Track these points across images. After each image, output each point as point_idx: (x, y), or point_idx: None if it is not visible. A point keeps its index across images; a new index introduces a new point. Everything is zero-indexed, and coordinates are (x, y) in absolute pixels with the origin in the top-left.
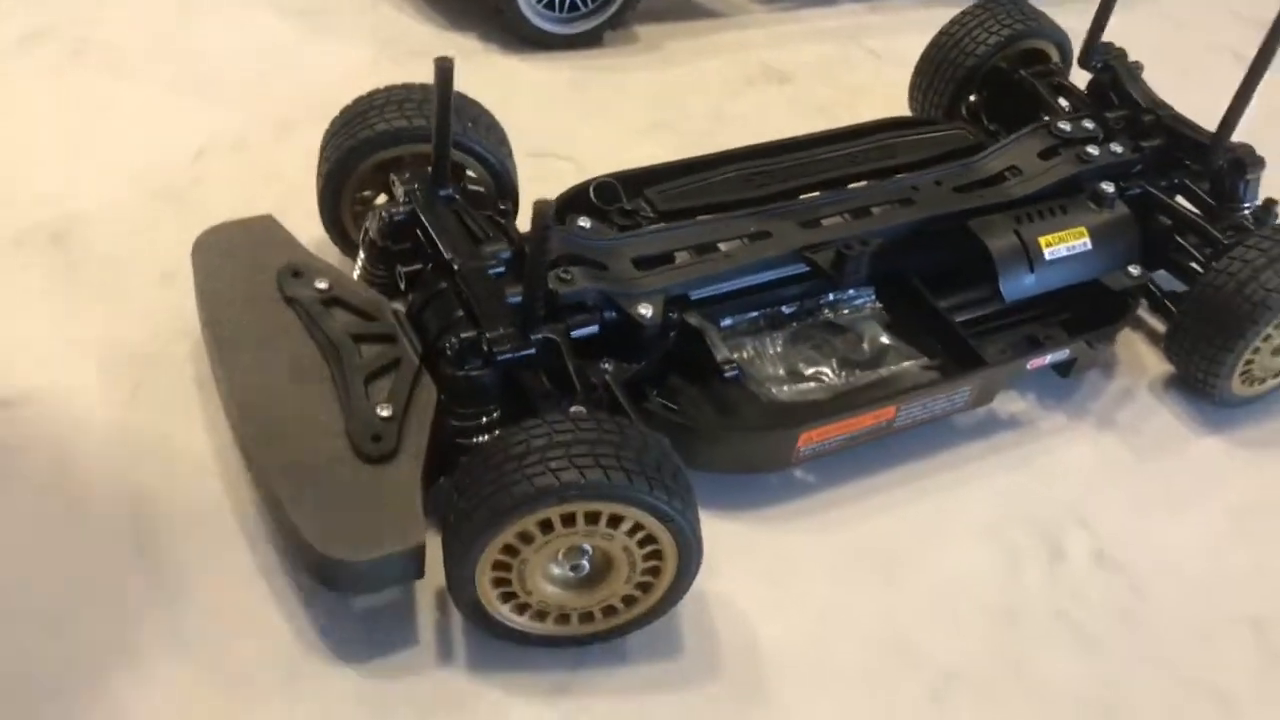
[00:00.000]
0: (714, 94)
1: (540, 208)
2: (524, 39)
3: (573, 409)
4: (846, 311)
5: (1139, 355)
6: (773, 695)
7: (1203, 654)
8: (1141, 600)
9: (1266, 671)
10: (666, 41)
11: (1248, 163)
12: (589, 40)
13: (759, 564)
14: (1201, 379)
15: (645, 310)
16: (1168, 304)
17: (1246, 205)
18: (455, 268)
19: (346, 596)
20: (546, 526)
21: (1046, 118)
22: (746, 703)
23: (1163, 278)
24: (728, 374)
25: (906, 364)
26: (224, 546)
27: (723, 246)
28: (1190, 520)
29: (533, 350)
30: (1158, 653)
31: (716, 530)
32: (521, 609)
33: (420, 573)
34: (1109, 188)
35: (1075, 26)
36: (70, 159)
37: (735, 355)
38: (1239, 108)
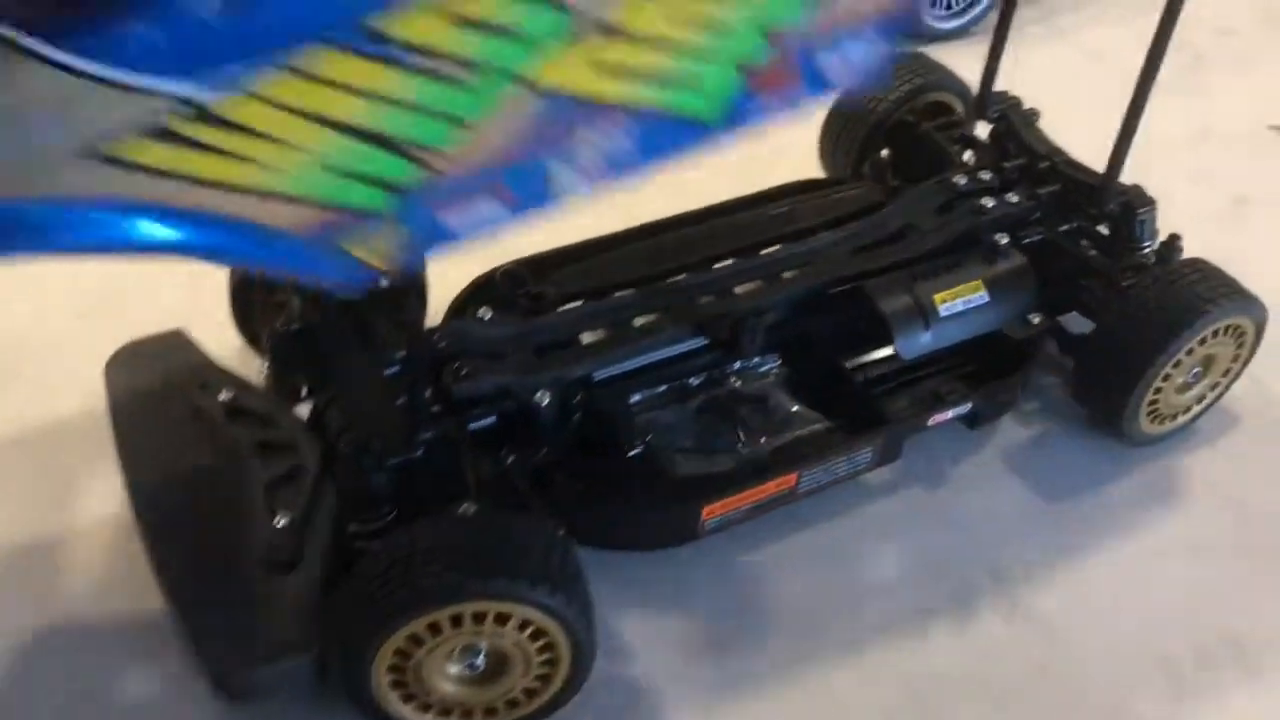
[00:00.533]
0: None
1: (414, 332)
2: None
3: (463, 508)
4: (752, 379)
5: (1053, 399)
6: None
7: (1118, 700)
8: (1057, 651)
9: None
10: None
11: (1136, 205)
12: None
13: (671, 637)
14: (1110, 420)
15: (543, 399)
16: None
17: (1146, 244)
18: (348, 374)
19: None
20: (435, 629)
21: (945, 172)
22: None
23: (1077, 319)
24: (632, 453)
25: (812, 428)
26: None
27: (627, 325)
28: (1106, 565)
29: (418, 453)
30: (1075, 704)
31: (625, 605)
32: (424, 708)
33: (321, 678)
34: (1003, 239)
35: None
36: None
37: (644, 431)
38: (1122, 150)
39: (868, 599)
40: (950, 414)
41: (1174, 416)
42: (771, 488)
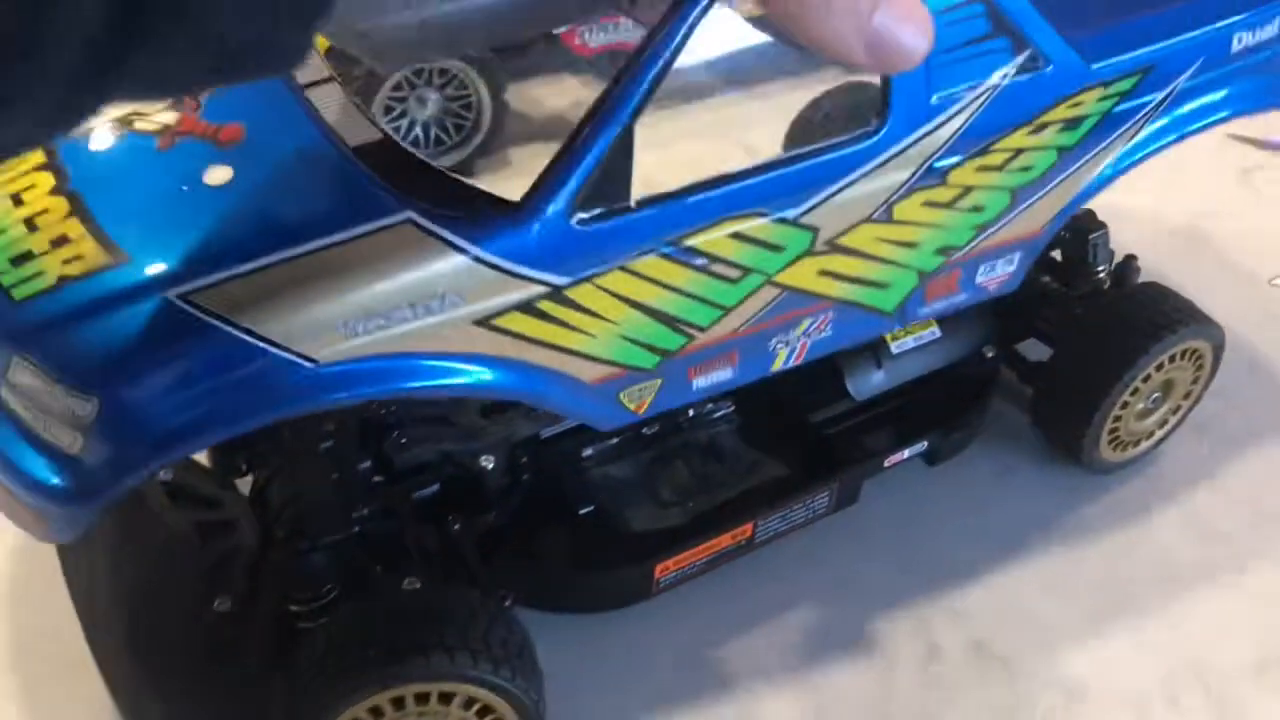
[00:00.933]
0: None
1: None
2: None
3: (405, 582)
4: (704, 427)
5: (1015, 428)
6: None
7: None
8: (1019, 694)
9: None
10: (539, 161)
11: (1088, 229)
12: (463, 171)
13: (633, 699)
14: (1070, 449)
15: (488, 463)
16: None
17: (1100, 268)
18: (284, 450)
19: None
20: (377, 712)
21: None
22: None
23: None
24: (583, 511)
25: (767, 476)
26: None
27: None
28: (1067, 598)
29: (355, 529)
30: None
31: (581, 669)
32: None
33: None
34: None
35: None
36: None
37: (595, 488)
38: None
39: (825, 641)
40: (907, 453)
41: (1136, 443)
42: (727, 540)
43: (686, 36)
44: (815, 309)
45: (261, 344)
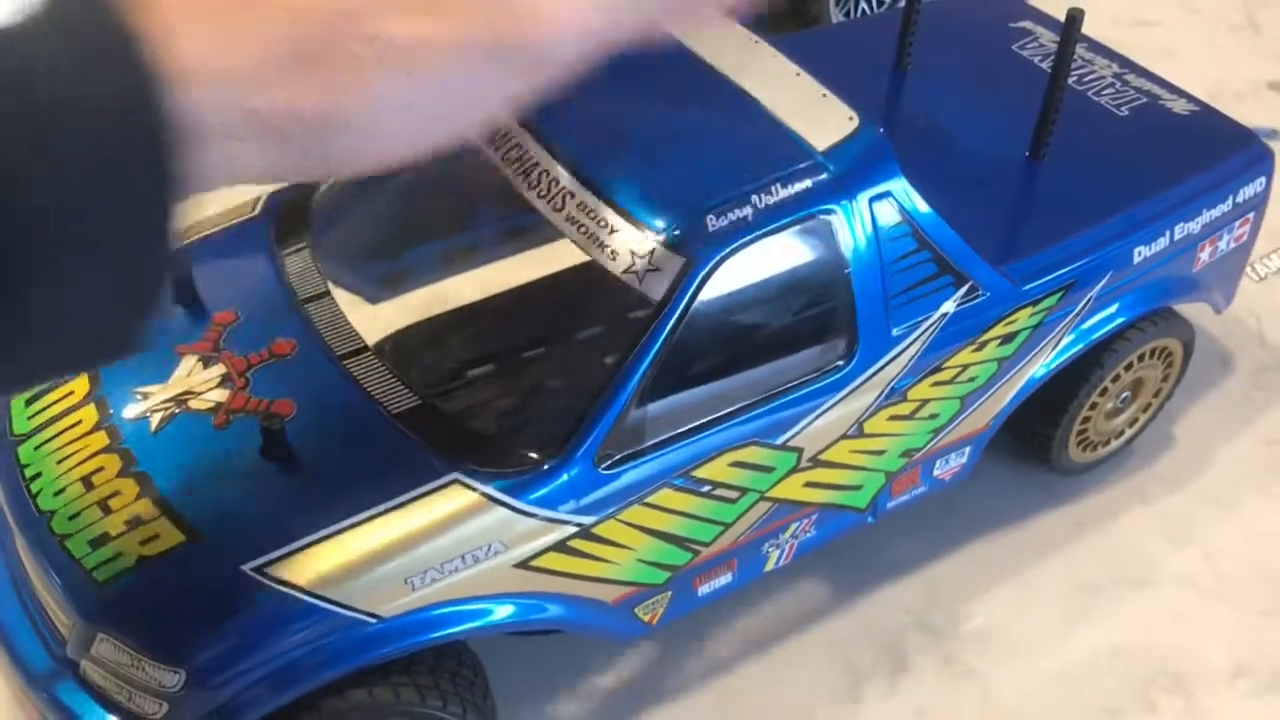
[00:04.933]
0: None
1: None
2: None
3: None
4: None
5: None
6: None
7: None
8: (992, 707)
9: None
10: None
11: None
12: None
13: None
14: (1039, 451)
15: None
16: None
17: None
18: None
19: None
20: None
21: None
22: None
23: None
24: None
25: None
26: None
27: None
28: (1038, 605)
29: None
30: None
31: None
32: None
33: None
34: None
35: None
36: None
37: None
38: (1044, 133)
39: (790, 656)
40: None
41: (1106, 443)
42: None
43: (685, 311)
44: (800, 515)
45: (331, 607)
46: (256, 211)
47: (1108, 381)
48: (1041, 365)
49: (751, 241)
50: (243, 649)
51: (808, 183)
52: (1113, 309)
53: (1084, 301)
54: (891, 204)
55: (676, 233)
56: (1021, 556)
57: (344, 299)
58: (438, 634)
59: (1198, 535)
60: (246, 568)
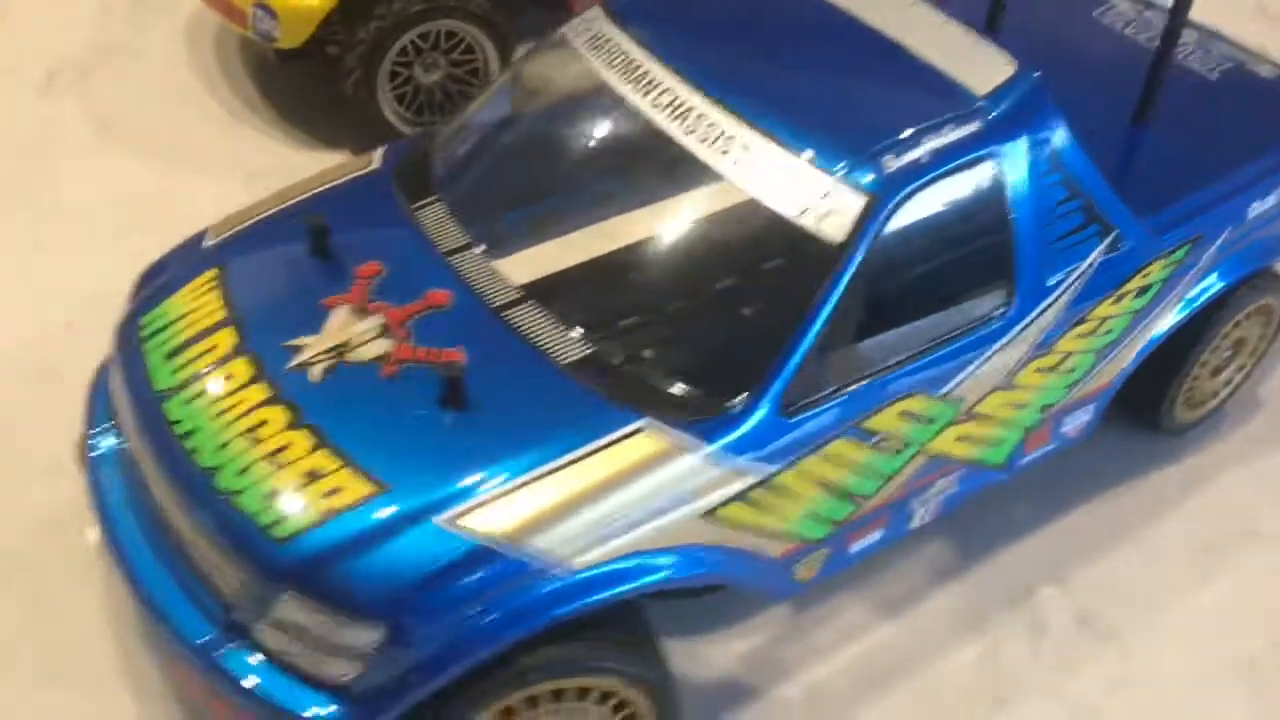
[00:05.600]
0: None
1: None
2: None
3: None
4: None
5: None
6: None
7: (1201, 706)
8: (1134, 661)
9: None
10: None
11: None
12: None
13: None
14: (1149, 412)
15: None
16: None
17: None
18: None
19: None
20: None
21: None
22: None
23: None
24: None
25: None
26: None
27: None
28: (1160, 563)
29: None
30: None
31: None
32: None
33: None
34: None
35: None
36: None
37: None
38: (1151, 96)
39: (936, 619)
40: None
41: (1205, 401)
42: None
43: (869, 252)
44: (948, 470)
45: (525, 559)
46: (376, 164)
47: (1218, 339)
48: (1165, 323)
49: (929, 183)
50: (440, 603)
51: (976, 125)
52: (1226, 267)
53: (1206, 255)
54: (1049, 149)
55: (857, 173)
56: (1135, 518)
57: (490, 249)
58: (631, 586)
59: None
60: (439, 519)
